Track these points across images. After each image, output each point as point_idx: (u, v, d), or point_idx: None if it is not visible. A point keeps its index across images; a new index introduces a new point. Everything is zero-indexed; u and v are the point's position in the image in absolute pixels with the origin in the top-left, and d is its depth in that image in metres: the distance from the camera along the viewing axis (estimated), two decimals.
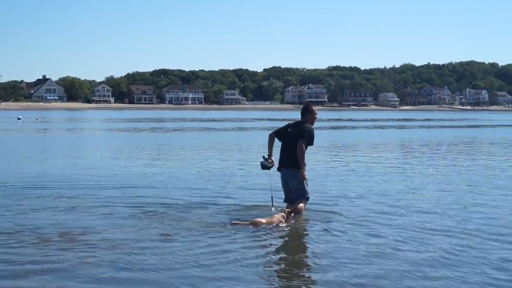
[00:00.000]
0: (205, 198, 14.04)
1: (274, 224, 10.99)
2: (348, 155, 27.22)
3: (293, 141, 11.60)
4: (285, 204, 11.96)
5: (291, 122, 12.28)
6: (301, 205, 11.75)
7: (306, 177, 11.67)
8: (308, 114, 11.99)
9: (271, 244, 9.97)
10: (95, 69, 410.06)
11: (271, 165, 11.82)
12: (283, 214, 11.28)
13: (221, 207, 12.91)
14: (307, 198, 11.84)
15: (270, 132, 12.20)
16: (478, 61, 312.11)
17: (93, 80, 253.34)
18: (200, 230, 10.60)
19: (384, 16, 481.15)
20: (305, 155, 11.61)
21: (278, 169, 11.96)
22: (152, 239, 9.92)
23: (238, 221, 11.23)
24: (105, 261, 8.66)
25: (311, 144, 11.78)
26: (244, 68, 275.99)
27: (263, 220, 11.10)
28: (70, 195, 14.41)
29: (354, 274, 8.13)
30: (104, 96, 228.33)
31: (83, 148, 31.68)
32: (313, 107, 12.22)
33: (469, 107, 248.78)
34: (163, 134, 48.26)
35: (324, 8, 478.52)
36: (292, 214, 11.44)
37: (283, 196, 12.08)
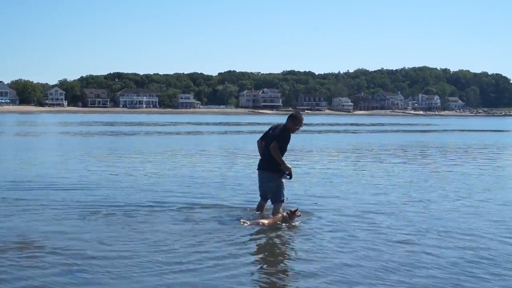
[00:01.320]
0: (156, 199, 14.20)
1: (276, 224, 11.40)
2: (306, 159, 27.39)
3: (271, 143, 11.68)
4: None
5: (274, 124, 12.33)
6: (278, 207, 11.89)
7: (291, 170, 11.77)
8: (289, 120, 11.88)
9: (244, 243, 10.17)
10: (48, 72, 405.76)
11: (288, 172, 11.81)
12: (283, 214, 11.60)
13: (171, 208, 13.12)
14: (283, 201, 11.94)
15: (257, 139, 12.39)
16: (431, 66, 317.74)
17: (46, 83, 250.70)
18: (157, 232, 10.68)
19: (337, 21, 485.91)
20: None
21: (258, 168, 12.14)
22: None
23: (245, 220, 11.52)
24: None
25: (284, 148, 11.80)
26: (199, 72, 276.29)
27: (266, 221, 11.45)
28: (18, 197, 14.34)
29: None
30: (57, 99, 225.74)
31: (35, 151, 31.24)
32: (300, 117, 12.01)
33: (421, 112, 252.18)
34: (116, 138, 47.87)
35: (278, 13, 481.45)
36: (285, 215, 11.63)
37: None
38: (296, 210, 11.75)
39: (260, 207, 12.34)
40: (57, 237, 10.28)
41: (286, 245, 10.31)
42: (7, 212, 12.57)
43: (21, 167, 22.01)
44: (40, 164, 23.65)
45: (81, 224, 11.40)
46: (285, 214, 11.60)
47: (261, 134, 12.29)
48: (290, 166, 11.74)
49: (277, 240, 10.46)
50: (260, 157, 12.18)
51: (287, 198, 12.12)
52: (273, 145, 11.55)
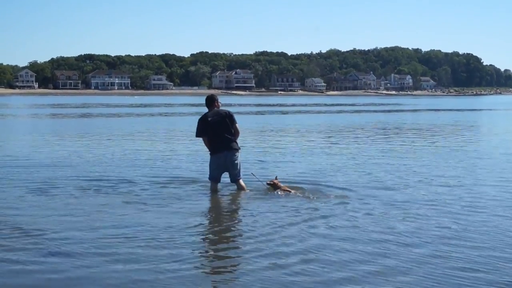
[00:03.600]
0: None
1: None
2: (278, 138, 27.41)
3: (224, 127, 12.64)
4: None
5: (204, 115, 12.88)
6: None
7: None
8: (216, 103, 12.96)
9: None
10: (17, 53, 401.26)
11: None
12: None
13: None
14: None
15: (197, 137, 12.99)
16: (403, 46, 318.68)
17: (16, 65, 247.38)
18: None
19: (310, 2, 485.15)
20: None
21: (219, 151, 12.69)
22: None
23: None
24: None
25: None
26: (171, 53, 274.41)
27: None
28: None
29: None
30: (28, 81, 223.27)
31: (5, 133, 30.97)
32: (212, 97, 13.23)
33: (394, 92, 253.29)
34: (86, 120, 47.58)
35: None
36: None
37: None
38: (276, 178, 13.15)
39: (216, 190, 12.99)
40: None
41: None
42: None
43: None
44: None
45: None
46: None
47: (196, 132, 12.86)
48: None
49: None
50: (215, 143, 12.70)
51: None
52: (237, 126, 12.84)
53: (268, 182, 13.08)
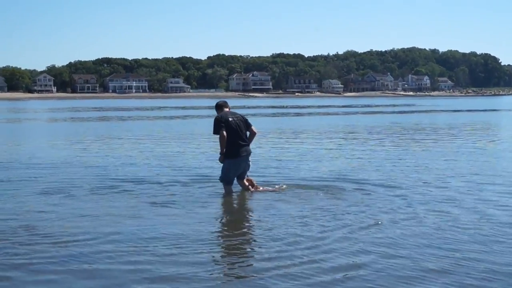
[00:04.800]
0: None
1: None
2: (295, 140, 27.34)
3: (243, 129, 12.73)
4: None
5: (222, 115, 12.72)
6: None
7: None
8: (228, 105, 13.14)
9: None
10: (36, 58, 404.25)
11: None
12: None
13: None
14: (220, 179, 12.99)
15: (215, 134, 12.70)
16: (420, 47, 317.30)
17: (34, 70, 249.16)
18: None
19: (326, 3, 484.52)
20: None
21: (239, 156, 12.60)
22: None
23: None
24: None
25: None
26: (188, 56, 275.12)
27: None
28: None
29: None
30: (46, 85, 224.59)
31: (33, 138, 31.13)
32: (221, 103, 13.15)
33: (411, 93, 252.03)
34: (107, 123, 47.72)
35: None
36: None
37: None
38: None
39: (231, 192, 12.88)
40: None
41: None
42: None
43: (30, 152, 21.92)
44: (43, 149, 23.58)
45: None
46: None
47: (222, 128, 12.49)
48: None
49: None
50: (237, 146, 12.53)
51: None
52: (254, 128, 12.86)
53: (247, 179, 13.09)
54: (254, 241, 9.34)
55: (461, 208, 11.33)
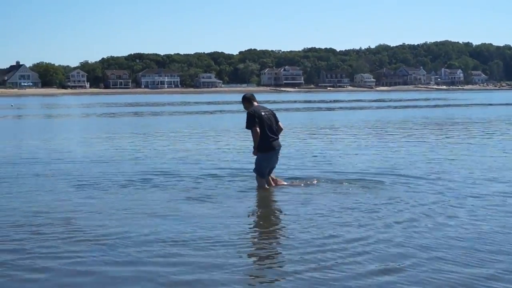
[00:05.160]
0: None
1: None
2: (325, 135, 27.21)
3: (274, 124, 12.73)
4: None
5: (255, 109, 12.65)
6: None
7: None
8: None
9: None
10: (69, 54, 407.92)
11: None
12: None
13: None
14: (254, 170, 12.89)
15: (248, 129, 12.64)
16: (453, 40, 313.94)
17: (68, 66, 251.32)
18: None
19: None
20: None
21: (272, 150, 12.65)
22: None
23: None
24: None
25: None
26: (220, 51, 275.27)
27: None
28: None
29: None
30: (79, 81, 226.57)
31: (67, 133, 31.34)
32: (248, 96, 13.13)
33: (444, 87, 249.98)
34: (143, 118, 47.95)
35: None
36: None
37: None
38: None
39: (269, 181, 12.89)
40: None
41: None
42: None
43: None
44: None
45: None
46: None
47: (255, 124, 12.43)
48: None
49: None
50: (270, 139, 12.53)
51: None
52: (281, 123, 12.93)
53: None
54: (288, 238, 9.04)
55: None
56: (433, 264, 7.55)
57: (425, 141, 23.80)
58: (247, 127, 12.53)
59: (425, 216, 10.06)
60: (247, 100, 12.84)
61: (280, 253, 8.33)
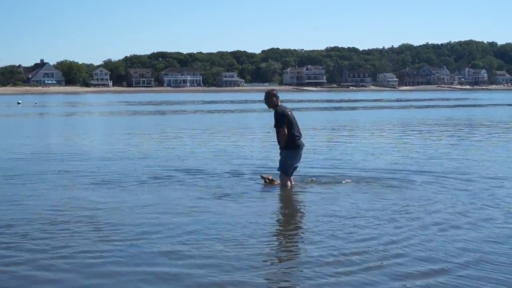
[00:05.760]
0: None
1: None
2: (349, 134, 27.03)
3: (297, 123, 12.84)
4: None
5: (283, 108, 12.67)
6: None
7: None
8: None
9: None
10: (92, 52, 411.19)
11: None
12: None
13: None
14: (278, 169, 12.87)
15: (277, 128, 12.66)
16: (477, 40, 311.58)
17: (91, 64, 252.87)
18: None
19: None
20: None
21: (298, 148, 12.72)
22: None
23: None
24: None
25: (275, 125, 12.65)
26: (242, 50, 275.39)
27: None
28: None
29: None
30: (102, 79, 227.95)
31: (91, 130, 31.46)
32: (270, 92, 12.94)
33: (468, 87, 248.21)
34: (166, 116, 48.04)
35: None
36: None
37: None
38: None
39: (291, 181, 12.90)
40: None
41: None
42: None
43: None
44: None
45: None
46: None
47: (285, 124, 12.49)
48: None
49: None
50: (297, 138, 12.60)
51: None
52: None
53: (265, 176, 13.11)
54: (313, 237, 8.82)
55: None
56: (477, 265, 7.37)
57: (450, 140, 23.57)
58: (276, 126, 12.50)
59: (460, 216, 9.86)
60: (273, 96, 12.64)
61: (312, 256, 7.94)
